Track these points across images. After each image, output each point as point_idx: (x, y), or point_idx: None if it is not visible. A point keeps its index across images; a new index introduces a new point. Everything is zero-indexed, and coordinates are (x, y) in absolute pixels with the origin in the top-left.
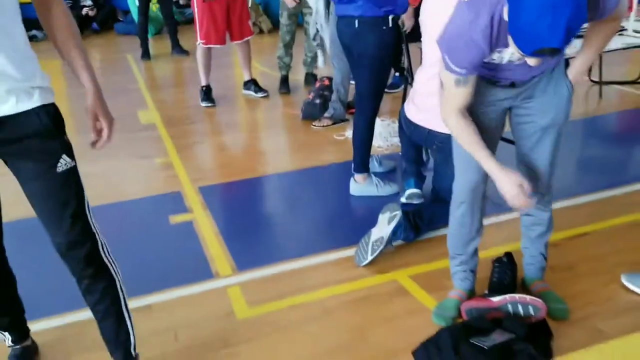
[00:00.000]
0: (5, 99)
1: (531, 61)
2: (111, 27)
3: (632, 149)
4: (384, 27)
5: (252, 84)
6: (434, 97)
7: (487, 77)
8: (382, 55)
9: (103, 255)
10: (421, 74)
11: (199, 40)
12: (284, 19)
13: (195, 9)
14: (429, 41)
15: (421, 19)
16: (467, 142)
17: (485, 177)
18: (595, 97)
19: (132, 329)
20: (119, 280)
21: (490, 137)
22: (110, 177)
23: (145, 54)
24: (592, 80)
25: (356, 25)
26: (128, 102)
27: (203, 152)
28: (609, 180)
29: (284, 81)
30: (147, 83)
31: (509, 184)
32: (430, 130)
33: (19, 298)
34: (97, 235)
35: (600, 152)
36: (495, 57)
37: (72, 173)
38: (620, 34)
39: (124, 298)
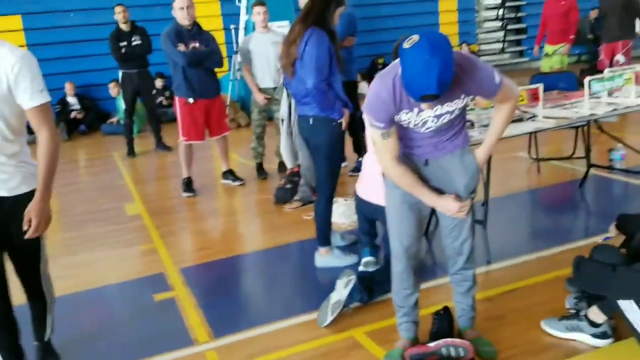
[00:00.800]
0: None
1: (424, 105)
2: (98, 129)
3: (561, 216)
4: (334, 124)
5: (230, 173)
6: (378, 177)
7: (406, 154)
8: (333, 145)
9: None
10: (367, 158)
11: (181, 138)
12: (254, 115)
13: (178, 110)
14: (369, 131)
15: (364, 116)
16: (406, 184)
17: (417, 240)
18: (534, 172)
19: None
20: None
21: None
22: (99, 265)
23: (131, 152)
24: (531, 158)
25: (311, 122)
26: (115, 197)
27: (185, 237)
28: (539, 243)
29: (260, 168)
30: (133, 178)
31: (449, 204)
32: (376, 205)
33: (21, 348)
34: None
35: (534, 220)
36: (404, 117)
37: None
38: (533, 120)
39: None
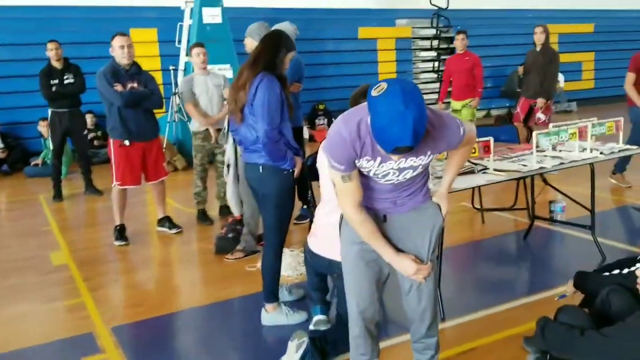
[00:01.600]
0: None
1: (394, 157)
2: (22, 169)
3: (509, 269)
4: (285, 172)
5: (167, 220)
6: (332, 229)
7: (366, 207)
8: (284, 195)
9: None
10: (320, 209)
11: (114, 182)
12: (197, 160)
13: (112, 152)
14: (324, 182)
15: (318, 165)
16: (366, 233)
17: (375, 302)
18: (479, 223)
19: None
20: None
21: None
22: (19, 323)
23: (58, 195)
24: (475, 208)
25: (260, 171)
26: (39, 244)
27: (116, 291)
28: (491, 299)
29: (204, 214)
30: (60, 224)
31: (407, 265)
32: (330, 259)
33: None
34: None
35: (484, 273)
36: (365, 164)
37: None
38: (484, 172)
39: None
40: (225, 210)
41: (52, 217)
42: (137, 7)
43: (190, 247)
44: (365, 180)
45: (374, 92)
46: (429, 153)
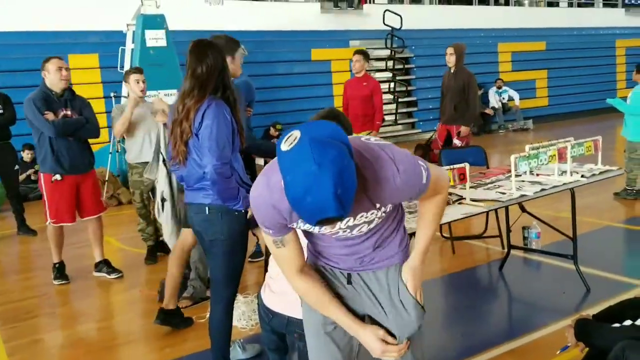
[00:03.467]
0: None
1: (325, 229)
2: None
3: (491, 307)
4: (236, 213)
5: (104, 264)
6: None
7: (324, 266)
8: (235, 240)
9: None
10: (272, 259)
11: (48, 220)
12: (136, 197)
13: (43, 187)
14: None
15: None
16: (314, 302)
17: None
18: (449, 253)
19: None
20: None
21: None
22: None
23: None
24: (443, 236)
25: (207, 212)
26: None
27: (43, 355)
28: (470, 346)
29: (152, 251)
30: None
31: (372, 340)
32: (289, 317)
33: None
34: None
35: (464, 313)
36: (304, 226)
37: None
38: (460, 203)
39: None
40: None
41: None
42: (76, 31)
43: (132, 295)
44: (315, 236)
45: (282, 146)
46: (378, 205)
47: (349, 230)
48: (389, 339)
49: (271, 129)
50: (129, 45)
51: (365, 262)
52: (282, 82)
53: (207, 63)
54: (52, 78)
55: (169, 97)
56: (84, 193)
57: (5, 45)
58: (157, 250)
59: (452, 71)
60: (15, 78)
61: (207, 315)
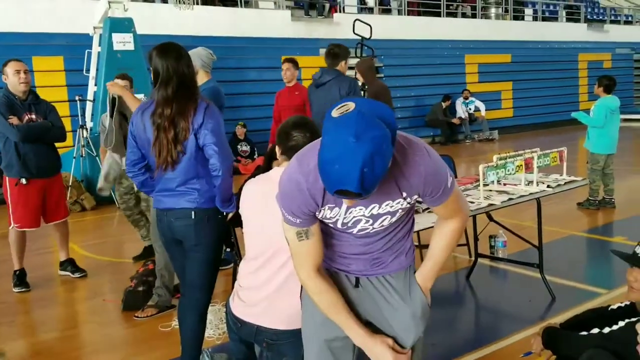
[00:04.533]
0: None
1: (347, 202)
2: None
3: (454, 316)
4: (219, 217)
5: (69, 264)
6: (260, 289)
7: (330, 270)
8: (216, 245)
9: None
10: (244, 266)
11: (12, 224)
12: (119, 199)
13: (8, 192)
14: (250, 232)
15: (241, 211)
16: (326, 305)
17: None
18: (417, 260)
19: None
20: None
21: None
22: None
23: None
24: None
25: (192, 216)
26: None
27: None
28: (438, 355)
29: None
30: None
31: (383, 350)
32: (258, 326)
33: None
34: None
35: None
36: (329, 214)
37: None
38: (429, 212)
39: None
40: (145, 253)
41: None
42: (40, 33)
43: (95, 302)
44: (331, 234)
45: (334, 113)
46: (404, 195)
47: (371, 221)
48: (398, 347)
49: (238, 128)
50: (95, 49)
51: (376, 264)
52: (252, 88)
53: (187, 63)
54: (11, 81)
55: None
56: (50, 197)
57: None
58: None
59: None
60: None
61: (172, 324)
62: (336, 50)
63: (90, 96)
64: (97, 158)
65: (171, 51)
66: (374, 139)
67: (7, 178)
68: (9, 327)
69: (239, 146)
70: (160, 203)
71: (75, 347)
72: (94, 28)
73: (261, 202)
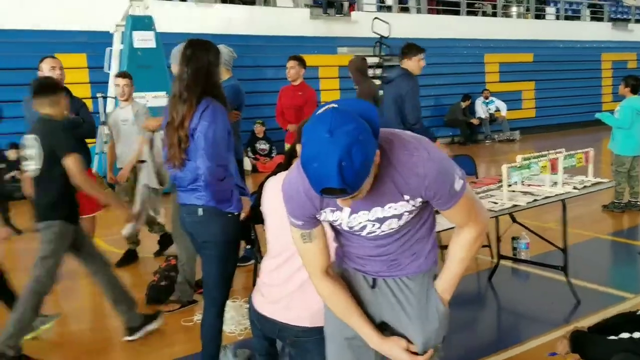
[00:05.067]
0: None
1: (339, 202)
2: None
3: (476, 318)
4: (229, 216)
5: None
6: (282, 286)
7: (349, 268)
8: (228, 243)
9: None
10: (266, 263)
11: None
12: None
13: None
14: (271, 228)
15: (262, 208)
16: (336, 307)
17: None
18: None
19: None
20: None
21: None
22: None
23: None
24: None
25: (200, 213)
26: None
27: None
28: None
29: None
30: None
31: (398, 352)
32: (282, 322)
33: None
34: None
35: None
36: (331, 217)
37: None
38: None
39: None
40: (162, 243)
41: None
42: (64, 31)
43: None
44: (343, 234)
45: (316, 112)
46: (407, 198)
47: (377, 225)
48: (413, 348)
49: (257, 126)
50: (117, 46)
51: (393, 266)
52: (269, 86)
53: (192, 65)
54: None
55: (159, 98)
56: (80, 191)
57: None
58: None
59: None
60: (3, 76)
61: (194, 319)
62: (404, 49)
63: (111, 93)
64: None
65: (182, 52)
66: (349, 132)
67: None
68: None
69: (257, 144)
70: (177, 197)
71: (97, 341)
72: (116, 26)
73: (279, 205)
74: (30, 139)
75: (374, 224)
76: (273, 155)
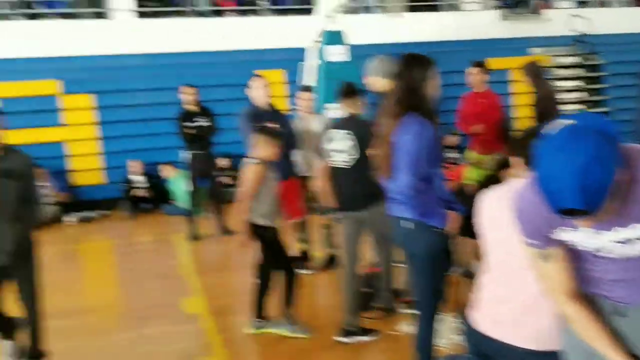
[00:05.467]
0: None
1: (581, 223)
2: (160, 208)
3: None
4: (434, 230)
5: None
6: (506, 305)
7: (587, 294)
8: (434, 257)
9: None
10: (486, 278)
11: None
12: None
13: None
14: (490, 247)
15: (479, 222)
16: (586, 331)
17: None
18: None
19: None
20: None
21: None
22: None
23: (194, 236)
24: None
25: (406, 225)
26: (172, 289)
27: (255, 347)
28: None
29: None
30: (193, 267)
31: None
32: (505, 344)
33: None
34: None
35: None
36: (566, 236)
37: None
38: None
39: None
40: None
41: (187, 258)
42: (262, 49)
43: (327, 303)
44: (581, 256)
45: (550, 131)
46: None
47: (621, 246)
48: None
49: (448, 136)
50: (310, 61)
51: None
52: (457, 92)
53: (404, 79)
54: (256, 96)
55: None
56: (287, 198)
57: (202, 64)
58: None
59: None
60: (211, 92)
61: (400, 328)
62: None
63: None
64: None
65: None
66: (587, 150)
67: None
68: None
69: (447, 153)
70: (388, 208)
71: (322, 345)
72: (312, 42)
73: (504, 214)
74: (340, 134)
75: (617, 245)
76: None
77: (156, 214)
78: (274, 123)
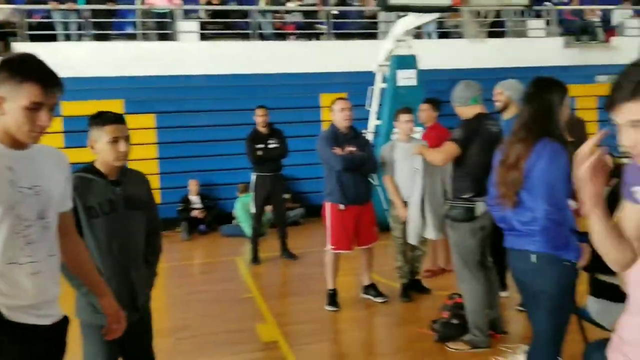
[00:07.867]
0: None
1: None
2: (216, 229)
3: None
4: (566, 264)
5: (372, 288)
6: None
7: None
8: (562, 294)
9: None
10: (628, 318)
11: (329, 246)
12: (397, 232)
13: (328, 216)
14: (634, 284)
15: None
16: None
17: None
18: None
19: None
20: None
21: None
22: None
23: (256, 259)
24: None
25: (533, 260)
26: (243, 314)
27: None
28: None
29: (406, 289)
30: (261, 291)
31: None
32: None
33: None
34: None
35: None
36: None
37: None
38: None
39: None
40: (407, 290)
41: (252, 282)
42: (327, 73)
43: (401, 330)
44: None
45: None
46: None
47: None
48: None
49: None
50: (378, 85)
51: None
52: None
53: (534, 104)
54: (337, 117)
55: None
56: (361, 223)
57: (270, 86)
58: (411, 289)
59: None
60: (280, 114)
61: None
62: None
63: (371, 129)
64: (377, 187)
65: (529, 90)
66: None
67: (328, 203)
68: (330, 343)
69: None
70: (505, 241)
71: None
72: (380, 65)
73: None
74: None
75: None
76: None
77: (211, 236)
78: (351, 145)
